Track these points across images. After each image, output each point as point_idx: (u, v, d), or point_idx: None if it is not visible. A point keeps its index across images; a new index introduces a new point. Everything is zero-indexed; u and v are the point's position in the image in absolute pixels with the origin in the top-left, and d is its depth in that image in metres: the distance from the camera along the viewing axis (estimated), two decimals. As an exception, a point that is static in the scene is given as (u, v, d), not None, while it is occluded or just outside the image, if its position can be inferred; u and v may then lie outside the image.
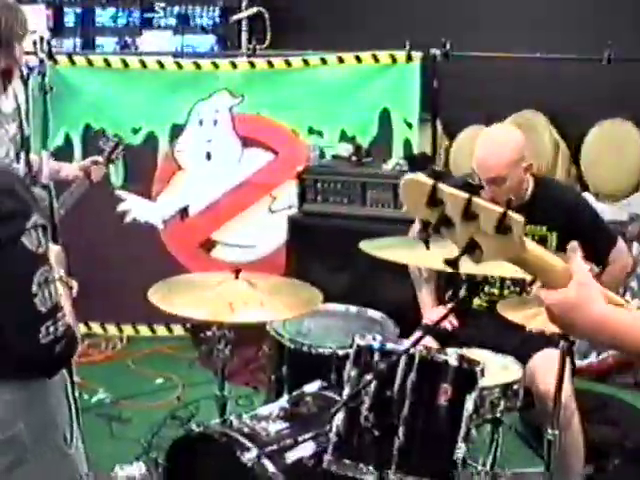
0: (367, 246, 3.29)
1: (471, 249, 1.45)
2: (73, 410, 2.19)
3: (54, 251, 2.04)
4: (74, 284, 2.22)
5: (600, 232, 3.60)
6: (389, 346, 2.93)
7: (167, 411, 4.54)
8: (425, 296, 3.81)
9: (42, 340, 1.90)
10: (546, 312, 1.59)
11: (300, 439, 3.02)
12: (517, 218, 1.41)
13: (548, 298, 1.56)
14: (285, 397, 3.34)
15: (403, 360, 2.84)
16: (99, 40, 6.75)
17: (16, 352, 1.94)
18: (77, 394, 2.30)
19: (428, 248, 1.49)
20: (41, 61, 3.15)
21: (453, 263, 1.48)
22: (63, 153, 5.08)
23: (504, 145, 3.45)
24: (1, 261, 1.86)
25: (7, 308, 1.90)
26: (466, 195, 1.42)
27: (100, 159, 4.22)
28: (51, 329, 1.91)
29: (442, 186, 1.44)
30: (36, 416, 2.03)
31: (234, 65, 5.39)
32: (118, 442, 4.24)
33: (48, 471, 2.07)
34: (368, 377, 2.84)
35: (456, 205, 1.43)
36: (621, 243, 3.65)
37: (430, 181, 1.44)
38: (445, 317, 3.29)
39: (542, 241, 3.42)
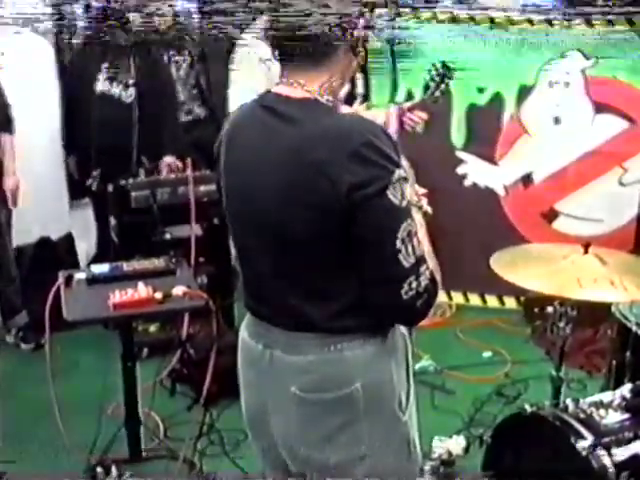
0: None
1: None
2: (411, 374, 2.16)
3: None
4: (429, 209, 2.14)
5: None
6: None
7: (493, 387, 4.43)
8: None
9: (404, 296, 1.87)
10: None
11: (641, 433, 2.81)
12: None
13: None
14: (628, 385, 3.10)
15: None
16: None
17: (375, 307, 1.93)
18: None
19: None
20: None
21: None
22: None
23: None
24: (367, 215, 1.84)
25: (370, 263, 1.88)
26: None
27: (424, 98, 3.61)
28: (413, 284, 1.86)
29: None
30: (374, 377, 2.02)
31: (589, 23, 5.01)
32: (439, 413, 4.16)
33: (378, 434, 2.05)
34: None
35: None
36: None
37: None
38: None
39: None
